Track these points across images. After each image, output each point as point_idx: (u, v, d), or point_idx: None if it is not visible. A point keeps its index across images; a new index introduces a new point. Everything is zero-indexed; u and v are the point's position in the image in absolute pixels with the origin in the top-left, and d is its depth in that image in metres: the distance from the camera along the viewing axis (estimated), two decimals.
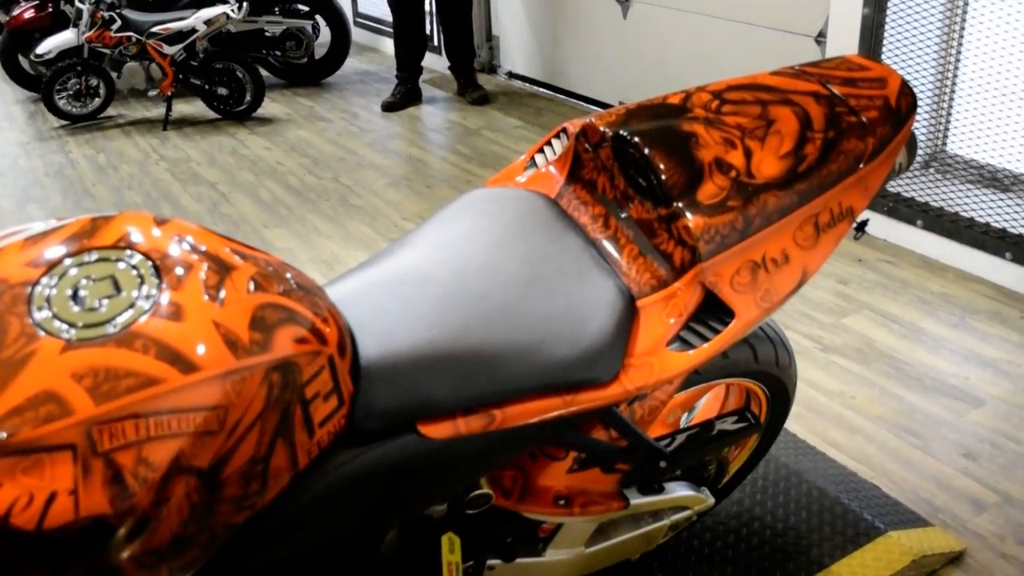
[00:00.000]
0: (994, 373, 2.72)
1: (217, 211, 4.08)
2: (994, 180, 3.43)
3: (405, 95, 5.60)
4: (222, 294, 0.97)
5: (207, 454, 0.94)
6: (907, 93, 1.47)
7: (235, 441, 0.96)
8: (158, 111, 5.60)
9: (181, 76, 5.26)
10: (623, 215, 1.33)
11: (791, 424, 2.49)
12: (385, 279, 1.23)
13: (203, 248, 1.01)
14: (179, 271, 0.97)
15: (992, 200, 3.29)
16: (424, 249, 1.29)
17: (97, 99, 5.37)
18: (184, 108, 5.68)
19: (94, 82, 5.31)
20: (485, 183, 1.46)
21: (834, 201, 1.34)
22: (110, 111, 5.57)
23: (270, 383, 0.98)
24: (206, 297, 0.96)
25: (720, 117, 1.35)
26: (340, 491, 1.12)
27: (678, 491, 1.59)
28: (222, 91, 5.35)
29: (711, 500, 1.65)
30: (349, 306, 1.19)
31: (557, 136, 1.46)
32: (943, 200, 3.40)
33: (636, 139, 1.30)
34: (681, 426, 1.76)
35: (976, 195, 3.34)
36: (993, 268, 3.24)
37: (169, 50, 5.16)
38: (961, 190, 3.39)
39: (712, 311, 1.28)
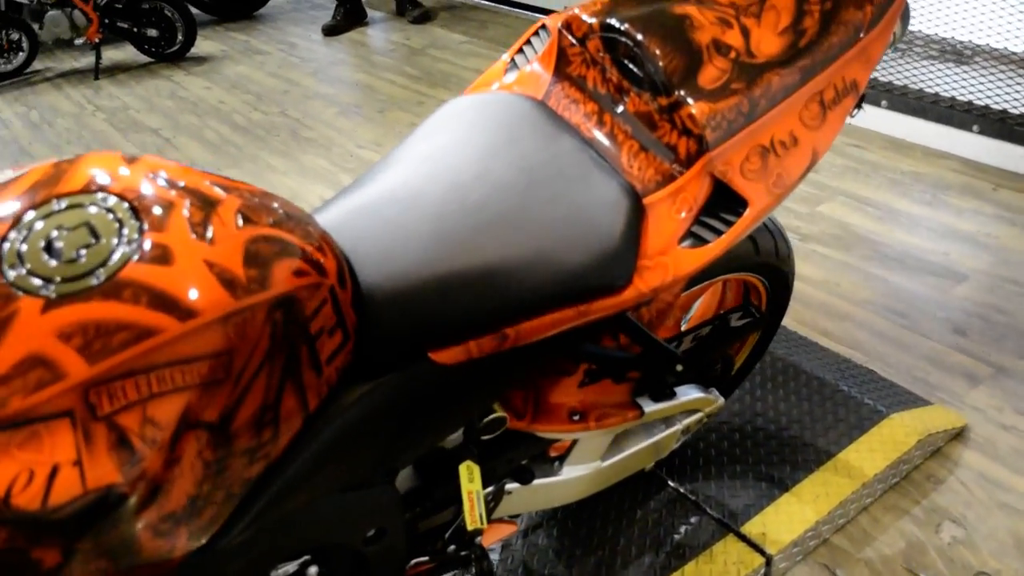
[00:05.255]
0: (973, 247, 2.70)
1: (164, 157, 3.91)
2: (955, 53, 3.38)
3: (347, 15, 5.39)
4: (210, 231, 0.89)
5: (216, 406, 0.87)
6: None
7: (243, 389, 0.89)
8: (87, 60, 5.36)
9: (107, 21, 5.01)
10: (619, 110, 1.24)
11: None
12: (374, 201, 1.15)
13: (181, 184, 0.92)
14: (159, 210, 0.88)
15: (955, 74, 3.25)
16: (411, 165, 1.20)
17: (21, 54, 5.12)
18: (114, 54, 5.44)
19: (15, 36, 5.04)
20: (464, 92, 1.37)
21: (838, 76, 1.27)
22: (36, 65, 5.33)
23: (273, 322, 0.90)
24: (193, 235, 0.88)
25: None
26: (354, 429, 1.06)
27: (689, 394, 1.54)
28: (152, 33, 5.12)
29: (721, 400, 1.61)
30: (341, 233, 1.11)
31: (536, 35, 1.36)
32: (906, 78, 3.35)
33: (627, 26, 1.22)
34: (682, 328, 1.71)
35: (939, 70, 3.29)
36: (961, 142, 3.22)
37: None
38: (923, 67, 3.34)
39: (723, 202, 1.21)
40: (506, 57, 1.38)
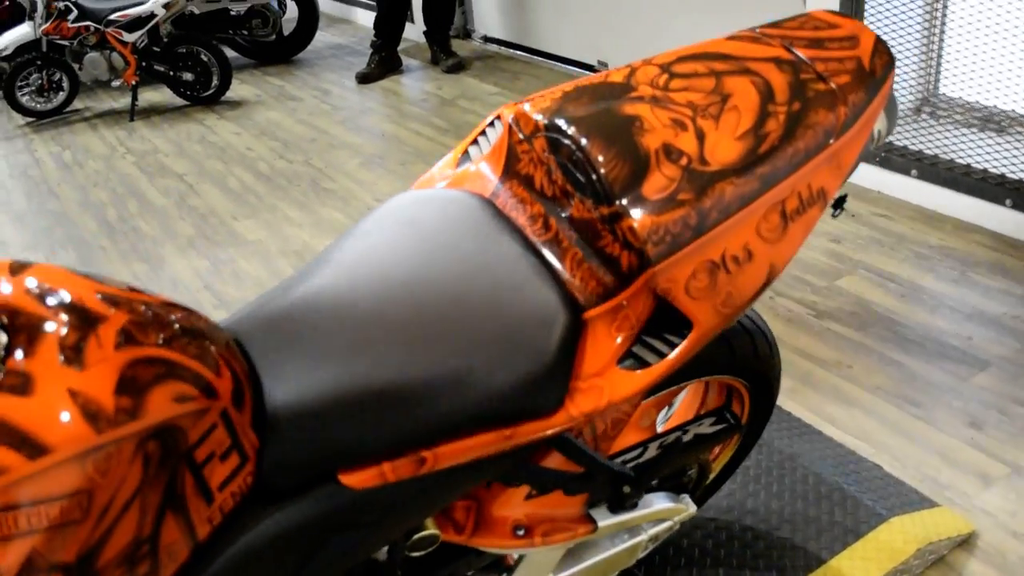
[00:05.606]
0: (998, 331, 2.57)
1: (185, 204, 3.92)
2: (990, 122, 3.26)
3: (381, 64, 5.39)
4: (83, 354, 0.83)
5: (71, 547, 0.80)
6: (882, 52, 1.31)
7: (108, 526, 0.82)
8: (125, 101, 5.42)
9: (144, 63, 5.08)
10: (564, 215, 1.16)
11: (784, 401, 2.35)
12: (297, 306, 1.09)
13: (66, 299, 0.87)
14: (32, 331, 0.83)
15: (989, 144, 3.12)
16: (342, 267, 1.14)
17: (61, 93, 5.20)
18: (151, 96, 5.50)
19: (56, 76, 5.13)
20: (413, 185, 1.31)
21: (802, 184, 1.18)
22: (76, 104, 5.40)
23: (145, 454, 0.84)
24: (62, 360, 0.82)
25: (668, 94, 1.19)
26: (255, 555, 0.99)
27: (655, 504, 1.44)
28: (188, 76, 5.17)
29: (692, 508, 1.51)
30: (255, 342, 1.04)
31: (491, 124, 1.30)
32: (938, 147, 3.23)
33: (572, 128, 1.14)
34: (658, 427, 1.62)
35: (972, 139, 3.17)
36: (993, 216, 3.08)
37: (129, 37, 4.98)
38: (956, 135, 3.22)
39: (668, 321, 1.13)
40: (457, 151, 1.31)
